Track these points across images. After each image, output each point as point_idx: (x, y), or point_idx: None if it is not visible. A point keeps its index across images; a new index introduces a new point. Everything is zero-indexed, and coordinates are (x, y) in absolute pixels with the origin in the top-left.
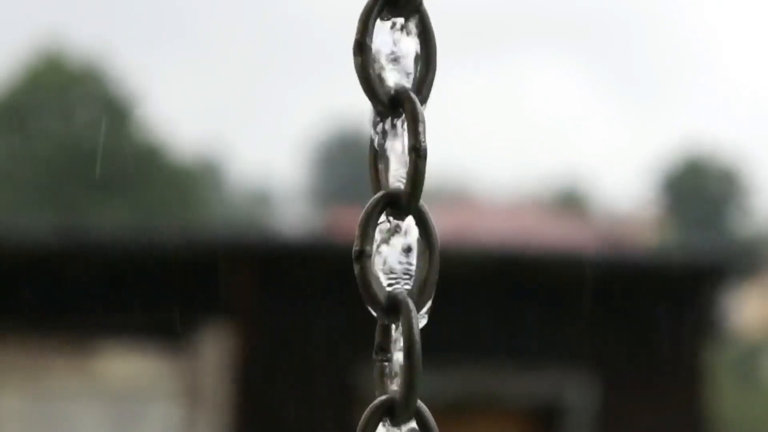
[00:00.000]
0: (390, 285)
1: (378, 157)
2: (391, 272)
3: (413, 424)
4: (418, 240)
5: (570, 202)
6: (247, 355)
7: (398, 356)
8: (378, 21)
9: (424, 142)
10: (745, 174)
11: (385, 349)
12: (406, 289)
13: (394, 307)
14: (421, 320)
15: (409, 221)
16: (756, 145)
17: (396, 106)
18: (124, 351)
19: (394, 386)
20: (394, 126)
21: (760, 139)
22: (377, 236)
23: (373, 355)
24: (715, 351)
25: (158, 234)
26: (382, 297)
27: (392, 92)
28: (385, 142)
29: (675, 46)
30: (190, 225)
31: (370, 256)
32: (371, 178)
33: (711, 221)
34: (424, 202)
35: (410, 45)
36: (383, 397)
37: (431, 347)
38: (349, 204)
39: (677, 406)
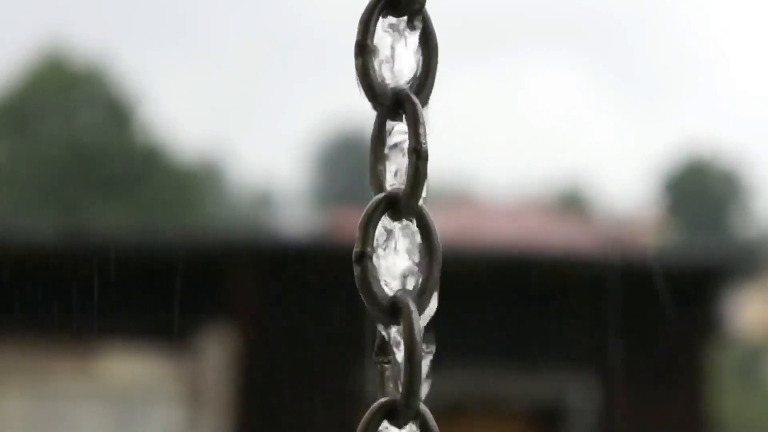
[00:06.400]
0: (391, 287)
1: (378, 158)
2: (392, 274)
3: (414, 426)
4: (419, 242)
5: (572, 204)
6: (249, 356)
7: (399, 358)
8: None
9: (425, 143)
10: (746, 175)
11: (386, 351)
12: (407, 291)
13: (394, 309)
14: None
15: (410, 223)
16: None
17: (397, 107)
18: (126, 352)
19: (395, 388)
20: (394, 128)
21: (762, 140)
22: (378, 238)
23: (374, 357)
24: (717, 352)
25: (160, 235)
26: (382, 299)
27: (393, 94)
28: (385, 143)
29: (676, 47)
30: (191, 226)
31: (370, 257)
32: (372, 179)
33: (713, 223)
34: (424, 204)
35: (411, 46)
36: (384, 399)
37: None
38: (351, 205)
39: (679, 408)
